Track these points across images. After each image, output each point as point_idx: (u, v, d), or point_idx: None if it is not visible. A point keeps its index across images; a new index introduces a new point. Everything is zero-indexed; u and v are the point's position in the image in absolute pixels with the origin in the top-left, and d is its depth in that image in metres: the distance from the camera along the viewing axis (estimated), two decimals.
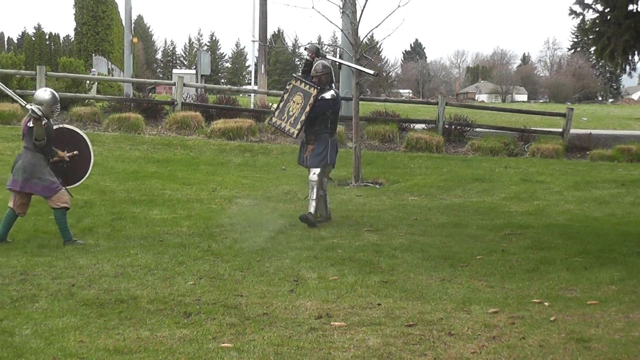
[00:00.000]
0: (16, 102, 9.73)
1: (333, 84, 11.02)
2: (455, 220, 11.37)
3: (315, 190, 10.72)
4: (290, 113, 10.77)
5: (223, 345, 5.47)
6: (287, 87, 11.11)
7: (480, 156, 20.39)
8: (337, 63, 14.07)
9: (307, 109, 10.56)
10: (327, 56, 11.36)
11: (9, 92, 9.75)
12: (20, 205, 9.20)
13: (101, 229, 10.04)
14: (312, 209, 10.70)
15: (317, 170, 10.76)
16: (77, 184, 9.93)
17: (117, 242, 9.28)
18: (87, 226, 10.19)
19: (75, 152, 9.60)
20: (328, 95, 10.74)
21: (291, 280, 7.55)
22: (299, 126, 10.66)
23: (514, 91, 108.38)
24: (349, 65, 13.79)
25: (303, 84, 10.79)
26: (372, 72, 13.01)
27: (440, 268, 8.21)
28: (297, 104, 10.70)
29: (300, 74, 11.27)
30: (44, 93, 9.27)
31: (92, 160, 9.89)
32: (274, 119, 11.12)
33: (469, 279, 7.75)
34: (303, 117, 10.59)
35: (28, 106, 8.92)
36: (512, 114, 32.91)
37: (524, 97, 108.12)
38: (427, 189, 14.91)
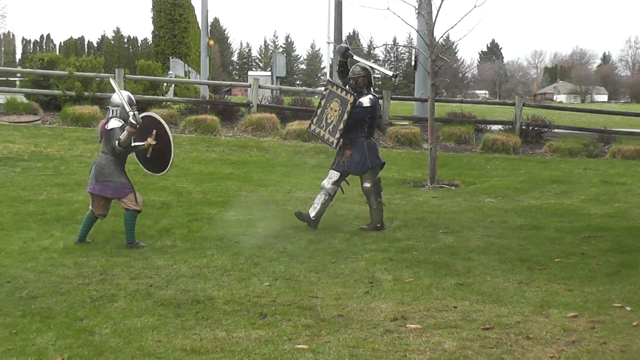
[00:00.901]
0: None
1: (372, 87, 10.65)
2: (532, 222, 11.19)
3: (372, 198, 10.48)
4: (329, 121, 10.47)
5: (298, 346, 5.49)
6: (324, 92, 10.85)
7: (559, 157, 20.05)
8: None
9: (345, 116, 10.22)
10: (354, 57, 11.11)
11: (117, 88, 9.51)
12: (99, 207, 9.27)
13: (178, 230, 10.15)
14: (374, 218, 10.51)
15: (368, 179, 10.47)
16: (170, 162, 9.45)
17: (194, 243, 9.38)
18: (164, 227, 10.31)
19: (154, 131, 9.24)
20: (366, 100, 10.36)
21: (366, 282, 7.53)
22: (337, 135, 10.36)
23: (593, 91, 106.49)
24: (371, 66, 13.57)
25: (339, 89, 10.48)
26: (390, 73, 12.83)
27: (517, 271, 8.08)
28: (335, 111, 10.39)
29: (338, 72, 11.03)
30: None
31: (170, 136, 9.39)
32: (312, 127, 10.85)
33: (547, 282, 7.60)
34: (341, 126, 10.26)
35: (132, 112, 8.88)
36: (592, 115, 32.28)
37: (604, 98, 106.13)
38: (504, 190, 14.71)
